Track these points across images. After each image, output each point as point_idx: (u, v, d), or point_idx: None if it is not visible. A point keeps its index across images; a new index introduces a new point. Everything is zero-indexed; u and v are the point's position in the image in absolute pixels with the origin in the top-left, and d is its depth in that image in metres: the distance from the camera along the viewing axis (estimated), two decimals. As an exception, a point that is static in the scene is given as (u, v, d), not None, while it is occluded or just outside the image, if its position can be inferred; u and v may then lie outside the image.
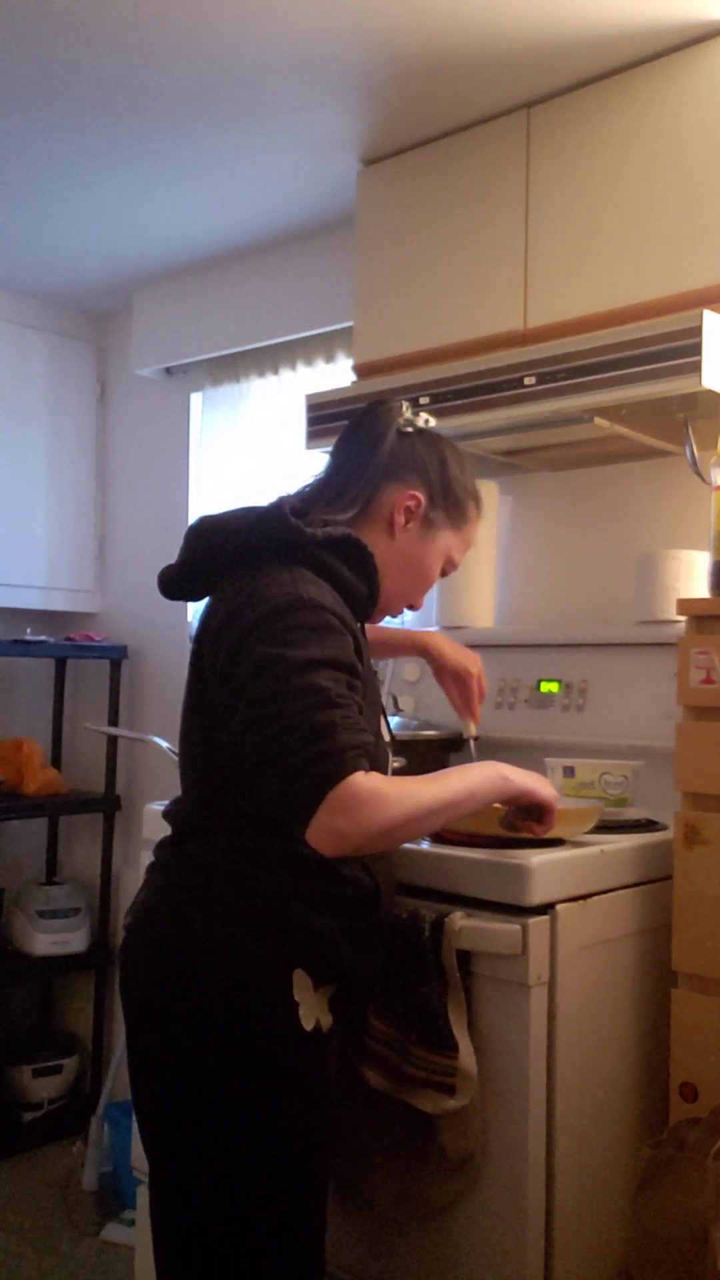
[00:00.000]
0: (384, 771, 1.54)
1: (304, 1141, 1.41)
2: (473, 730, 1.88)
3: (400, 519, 1.56)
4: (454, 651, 1.85)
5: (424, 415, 1.61)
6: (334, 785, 1.26)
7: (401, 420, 1.58)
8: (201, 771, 1.48)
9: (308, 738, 1.28)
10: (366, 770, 1.29)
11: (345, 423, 1.63)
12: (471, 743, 1.89)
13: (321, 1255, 1.46)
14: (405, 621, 2.59)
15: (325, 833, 1.27)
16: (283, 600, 1.37)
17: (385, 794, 1.28)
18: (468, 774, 1.42)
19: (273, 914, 1.40)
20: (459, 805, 1.38)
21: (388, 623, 1.80)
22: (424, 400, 2.15)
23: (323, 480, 1.58)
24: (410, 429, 1.58)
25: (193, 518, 3.50)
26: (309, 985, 1.41)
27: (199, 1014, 1.38)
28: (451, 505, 1.59)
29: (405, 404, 1.61)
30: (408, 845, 1.64)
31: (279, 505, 1.46)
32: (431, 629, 2.48)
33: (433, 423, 1.62)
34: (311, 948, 1.41)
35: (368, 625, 1.93)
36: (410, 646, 1.90)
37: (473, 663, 1.85)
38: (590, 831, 1.70)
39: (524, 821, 1.52)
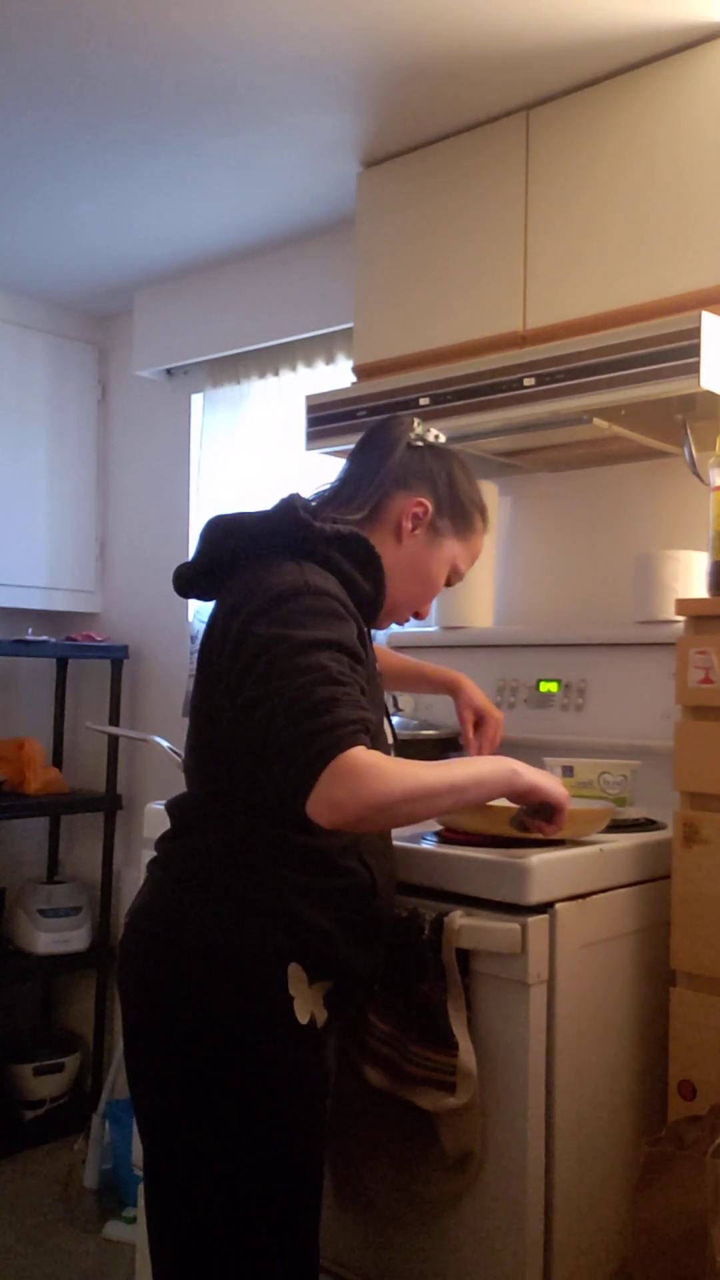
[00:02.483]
0: None
1: (299, 1136, 1.42)
2: None
3: (408, 525, 1.59)
4: (484, 698, 1.93)
5: (434, 431, 1.66)
6: (334, 757, 1.27)
7: (412, 435, 1.63)
8: (204, 762, 1.50)
9: (309, 712, 1.29)
10: (368, 746, 1.30)
11: (344, 424, 1.65)
12: None
13: (316, 1251, 1.46)
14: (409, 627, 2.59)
15: (324, 804, 1.27)
16: (288, 587, 1.39)
17: (385, 768, 1.28)
18: (477, 763, 1.43)
19: (268, 905, 1.41)
20: (464, 792, 1.38)
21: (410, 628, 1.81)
22: (424, 401, 2.16)
23: (335, 486, 1.62)
24: (420, 443, 1.63)
25: (193, 518, 3.52)
26: (304, 979, 1.41)
27: (194, 1007, 1.39)
28: (458, 515, 1.63)
29: (416, 419, 1.66)
30: (408, 844, 1.65)
31: (290, 503, 1.49)
32: (431, 630, 2.49)
33: (442, 438, 1.67)
34: (306, 940, 1.41)
35: (401, 658, 1.98)
36: (443, 684, 1.96)
37: (496, 712, 1.92)
38: (590, 831, 1.70)
39: (535, 821, 1.51)
